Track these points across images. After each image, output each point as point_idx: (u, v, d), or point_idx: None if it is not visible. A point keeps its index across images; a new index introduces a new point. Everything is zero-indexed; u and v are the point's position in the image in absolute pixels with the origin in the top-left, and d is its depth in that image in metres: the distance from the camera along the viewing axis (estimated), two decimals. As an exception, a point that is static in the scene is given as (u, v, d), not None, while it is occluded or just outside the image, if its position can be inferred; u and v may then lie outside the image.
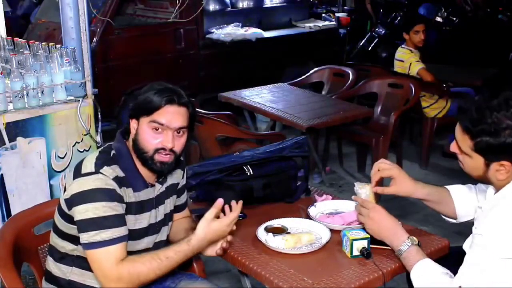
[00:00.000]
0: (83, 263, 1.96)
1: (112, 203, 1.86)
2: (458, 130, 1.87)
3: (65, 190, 1.93)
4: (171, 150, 1.94)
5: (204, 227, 1.94)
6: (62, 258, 2.00)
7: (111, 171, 1.89)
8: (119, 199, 1.88)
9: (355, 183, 2.20)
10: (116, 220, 1.87)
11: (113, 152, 1.95)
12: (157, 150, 1.93)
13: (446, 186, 2.24)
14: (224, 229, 1.98)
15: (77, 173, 1.89)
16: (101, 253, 1.84)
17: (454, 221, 2.25)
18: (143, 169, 1.98)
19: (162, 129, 1.92)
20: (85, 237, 1.85)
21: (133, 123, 1.97)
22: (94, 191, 1.84)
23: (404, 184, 2.16)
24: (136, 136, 1.95)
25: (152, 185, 2.04)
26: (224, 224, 1.97)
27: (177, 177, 2.16)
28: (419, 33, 5.18)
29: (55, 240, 2.01)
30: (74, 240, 1.94)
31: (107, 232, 1.84)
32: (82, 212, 1.84)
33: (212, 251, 2.04)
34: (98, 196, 1.84)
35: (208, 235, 1.95)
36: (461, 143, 1.86)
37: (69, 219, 1.92)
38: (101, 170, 1.87)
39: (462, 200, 2.18)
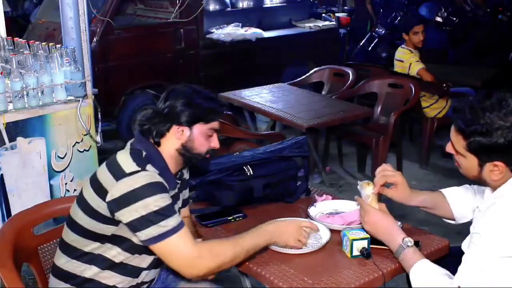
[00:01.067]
0: (103, 262, 1.96)
1: (166, 194, 1.90)
2: (452, 130, 1.88)
3: (102, 192, 1.89)
4: None
5: (282, 220, 2.11)
6: (81, 256, 1.98)
7: (153, 169, 1.93)
8: (167, 191, 1.93)
9: (358, 182, 2.20)
10: (174, 208, 1.92)
11: (144, 153, 1.96)
12: (208, 151, 2.09)
13: (441, 190, 2.26)
14: (296, 228, 2.06)
15: (120, 173, 1.89)
16: (175, 240, 1.85)
17: (453, 222, 2.26)
18: (171, 169, 2.03)
19: (212, 133, 2.07)
20: (153, 231, 1.84)
21: (182, 130, 2.00)
22: (149, 185, 1.86)
23: (402, 191, 2.19)
24: (189, 143, 2.02)
25: (178, 183, 2.10)
26: (298, 223, 2.09)
27: (186, 172, 2.21)
28: (418, 33, 5.18)
29: (72, 238, 1.99)
30: (103, 239, 1.94)
31: (173, 219, 1.86)
32: (141, 208, 1.83)
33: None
34: (153, 189, 1.86)
35: (281, 226, 2.06)
36: (455, 143, 1.87)
37: (106, 220, 1.90)
38: (146, 168, 1.90)
39: (458, 203, 2.20)
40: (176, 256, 1.88)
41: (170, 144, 2.02)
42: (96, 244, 1.96)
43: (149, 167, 1.92)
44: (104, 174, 1.92)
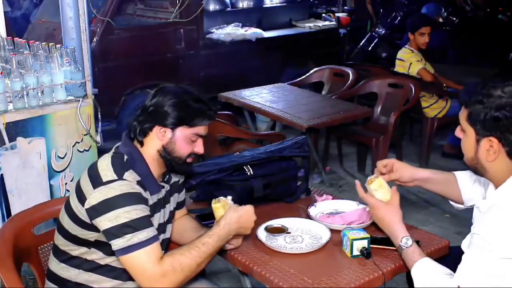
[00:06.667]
0: (91, 266, 1.96)
1: (140, 205, 1.87)
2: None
3: (81, 198, 1.90)
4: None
5: (234, 211, 2.01)
6: (69, 260, 1.99)
7: (132, 176, 1.90)
8: (145, 202, 1.90)
9: (368, 178, 2.18)
10: (148, 221, 1.88)
11: (125, 157, 1.94)
12: (190, 155, 2.02)
13: (454, 172, 2.29)
14: (251, 215, 2.03)
15: (98, 181, 1.87)
16: (140, 255, 1.83)
17: (461, 206, 2.27)
18: (154, 171, 2.00)
19: (196, 138, 2.01)
20: (120, 243, 1.83)
21: (164, 132, 1.96)
22: (122, 196, 1.84)
23: (405, 169, 2.25)
24: (169, 145, 1.98)
25: (163, 186, 2.06)
26: (251, 210, 2.02)
27: (179, 175, 2.18)
28: (425, 35, 5.16)
29: (61, 242, 2.00)
30: (88, 244, 1.94)
31: (143, 232, 1.84)
32: (113, 218, 1.83)
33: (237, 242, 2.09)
34: (127, 200, 1.84)
35: (237, 218, 2.00)
36: (461, 116, 1.90)
37: (87, 226, 1.91)
38: (124, 177, 1.88)
39: (468, 183, 2.21)
40: (139, 271, 1.85)
41: (152, 144, 1.98)
42: (83, 249, 1.96)
43: (127, 174, 1.89)
44: (85, 181, 1.92)
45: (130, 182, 1.88)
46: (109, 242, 1.86)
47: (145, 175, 1.95)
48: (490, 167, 1.86)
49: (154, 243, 1.87)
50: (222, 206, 2.06)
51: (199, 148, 2.02)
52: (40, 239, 2.21)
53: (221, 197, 2.11)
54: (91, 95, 3.27)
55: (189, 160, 2.03)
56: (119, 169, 1.90)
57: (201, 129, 2.00)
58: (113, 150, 2.00)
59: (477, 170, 1.92)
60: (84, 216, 1.90)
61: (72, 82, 3.18)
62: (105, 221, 1.84)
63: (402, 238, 1.97)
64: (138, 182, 1.91)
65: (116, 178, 1.87)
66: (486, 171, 1.89)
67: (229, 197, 2.10)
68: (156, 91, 2.00)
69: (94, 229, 1.89)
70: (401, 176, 2.24)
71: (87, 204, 1.87)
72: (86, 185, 1.90)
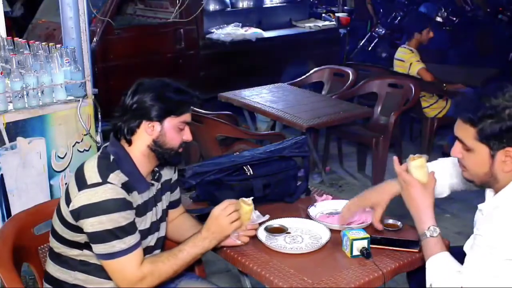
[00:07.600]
0: (86, 267, 1.97)
1: (125, 212, 1.87)
2: (458, 125, 1.85)
3: (67, 200, 1.90)
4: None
5: (207, 219, 2.02)
6: (64, 262, 1.99)
7: (117, 178, 1.89)
8: (130, 206, 1.90)
9: (410, 156, 2.08)
10: (131, 228, 1.89)
11: (112, 157, 1.94)
12: (181, 145, 2.02)
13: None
14: (221, 214, 2.00)
15: (82, 184, 1.87)
16: (122, 261, 1.86)
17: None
18: (143, 169, 1.99)
19: (184, 125, 2.01)
20: (102, 248, 1.85)
21: (152, 125, 1.95)
22: (106, 202, 1.83)
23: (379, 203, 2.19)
24: (160, 138, 1.97)
25: (152, 184, 2.05)
26: (218, 210, 2.01)
27: (170, 173, 2.17)
28: (430, 31, 5.28)
29: (55, 245, 2.00)
30: (79, 246, 1.95)
31: (125, 240, 1.86)
32: (96, 224, 1.83)
33: (230, 241, 2.08)
34: (111, 207, 1.84)
35: (211, 226, 2.00)
36: (464, 136, 1.83)
37: (74, 228, 1.91)
38: (108, 180, 1.86)
39: (441, 175, 2.14)
40: (120, 276, 1.89)
41: (141, 141, 1.97)
42: (75, 251, 1.96)
43: (113, 176, 1.88)
44: (72, 183, 1.92)
45: (114, 186, 1.86)
46: (91, 245, 1.88)
47: (132, 173, 1.94)
48: (504, 177, 1.82)
49: (136, 249, 1.89)
50: (243, 210, 2.07)
51: (187, 135, 2.02)
52: (40, 239, 2.21)
53: (246, 200, 2.10)
54: (91, 95, 3.28)
55: (180, 150, 2.04)
56: (105, 170, 1.89)
57: (188, 116, 2.01)
58: (100, 151, 2.00)
59: (488, 183, 1.88)
60: (70, 219, 1.90)
61: (72, 82, 3.18)
62: (87, 225, 1.85)
63: (430, 226, 1.92)
64: (124, 184, 1.90)
65: (101, 181, 1.86)
66: (497, 181, 1.85)
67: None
68: (136, 88, 1.98)
69: (81, 231, 1.89)
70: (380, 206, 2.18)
71: (71, 206, 1.87)
72: (72, 187, 1.90)
